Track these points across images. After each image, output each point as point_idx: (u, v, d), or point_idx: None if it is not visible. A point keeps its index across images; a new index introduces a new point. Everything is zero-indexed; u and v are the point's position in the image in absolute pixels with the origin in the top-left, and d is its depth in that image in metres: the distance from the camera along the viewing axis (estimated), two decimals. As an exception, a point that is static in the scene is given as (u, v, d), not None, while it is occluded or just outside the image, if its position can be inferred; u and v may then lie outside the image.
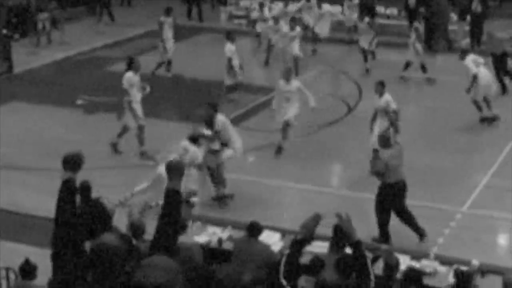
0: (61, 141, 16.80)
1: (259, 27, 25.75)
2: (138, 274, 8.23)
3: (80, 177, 8.83)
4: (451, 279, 9.95)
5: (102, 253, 8.34)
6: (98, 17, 29.90)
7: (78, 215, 9.65)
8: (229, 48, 19.82)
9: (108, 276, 8.24)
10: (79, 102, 19.92)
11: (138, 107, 16.30)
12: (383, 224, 12.51)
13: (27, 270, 9.79)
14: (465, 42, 25.72)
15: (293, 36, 21.78)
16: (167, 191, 8.24)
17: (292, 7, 25.86)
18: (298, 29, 22.01)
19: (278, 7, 26.54)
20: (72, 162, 9.19)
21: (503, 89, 20.39)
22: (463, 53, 18.66)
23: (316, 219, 7.40)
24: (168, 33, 22.45)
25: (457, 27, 26.35)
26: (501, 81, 20.40)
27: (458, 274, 9.42)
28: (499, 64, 20.56)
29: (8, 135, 17.21)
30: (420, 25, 23.05)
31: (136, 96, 16.29)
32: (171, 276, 8.37)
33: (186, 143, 13.29)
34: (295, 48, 21.81)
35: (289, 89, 16.11)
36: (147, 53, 25.26)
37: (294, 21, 22.49)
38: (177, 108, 19.78)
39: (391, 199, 12.40)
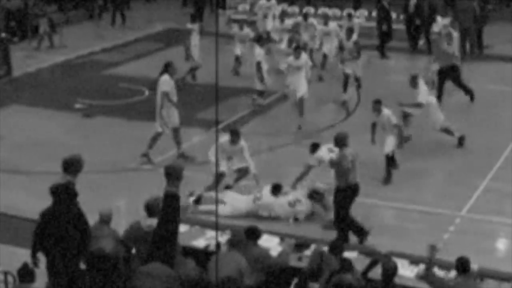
0: (60, 145, 16.79)
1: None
2: (136, 282, 8.25)
3: (81, 180, 8.88)
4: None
5: (99, 258, 8.36)
6: (111, 20, 30.05)
7: (53, 215, 9.80)
8: (259, 52, 19.66)
9: (104, 282, 8.24)
10: (78, 105, 19.91)
11: (172, 111, 16.23)
12: (345, 227, 12.45)
13: (25, 274, 9.78)
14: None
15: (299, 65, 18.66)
16: (166, 195, 8.24)
17: (288, 22, 24.43)
18: (304, 56, 18.78)
19: (272, 23, 25.00)
20: (72, 166, 9.24)
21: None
22: (414, 79, 16.66)
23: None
24: (196, 40, 22.10)
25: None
26: (439, 97, 18.87)
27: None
28: (443, 79, 19.42)
29: (7, 138, 17.20)
30: (454, 31, 21.59)
31: (174, 98, 16.19)
32: (168, 285, 8.40)
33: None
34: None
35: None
36: (145, 58, 25.32)
37: (292, 40, 21.29)
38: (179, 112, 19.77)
39: (342, 202, 12.39)
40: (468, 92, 19.78)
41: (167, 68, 16.23)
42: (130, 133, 18.00)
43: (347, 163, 12.18)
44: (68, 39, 26.45)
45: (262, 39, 20.74)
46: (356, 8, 29.01)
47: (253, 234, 10.34)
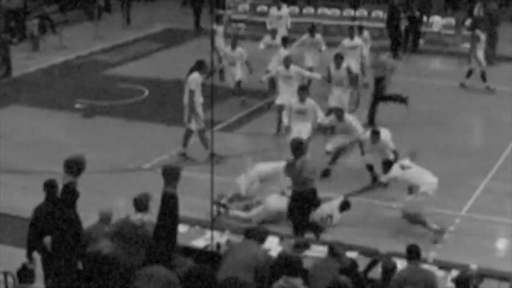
0: (60, 145, 16.80)
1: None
2: (136, 284, 8.25)
3: (83, 181, 8.84)
4: (450, 284, 9.95)
5: (97, 260, 8.36)
6: (124, 17, 30.16)
7: (41, 212, 9.88)
8: (283, 53, 19.24)
9: (103, 283, 8.24)
10: (78, 106, 19.91)
11: (200, 110, 16.08)
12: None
13: (25, 274, 9.77)
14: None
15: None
16: (164, 195, 8.23)
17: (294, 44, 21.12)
18: (310, 101, 15.94)
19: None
20: (74, 166, 9.23)
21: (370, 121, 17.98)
22: (376, 134, 14.81)
23: None
24: (220, 42, 21.87)
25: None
26: (371, 122, 17.91)
27: (457, 279, 9.41)
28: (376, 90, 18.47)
29: (6, 139, 17.20)
30: (482, 34, 21.34)
31: (199, 98, 16.04)
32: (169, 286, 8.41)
33: None
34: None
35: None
36: (145, 58, 25.32)
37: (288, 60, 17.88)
38: (177, 113, 19.73)
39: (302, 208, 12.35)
40: (396, 100, 18.77)
41: (200, 65, 16.00)
42: (130, 133, 18.01)
43: (307, 171, 12.17)
44: (68, 39, 26.43)
45: (286, 40, 20.03)
46: (355, 7, 28.96)
47: (252, 233, 10.24)
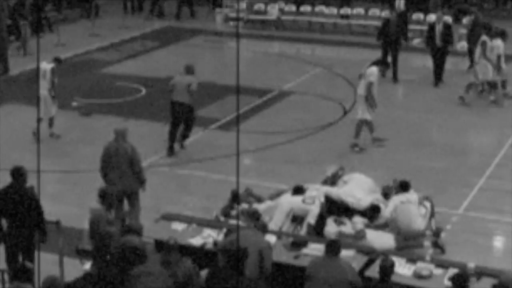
0: (57, 143, 16.78)
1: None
2: (137, 281, 8.32)
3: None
4: (447, 282, 9.96)
5: (126, 251, 8.63)
6: (148, 14, 30.44)
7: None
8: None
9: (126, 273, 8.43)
10: (75, 104, 19.88)
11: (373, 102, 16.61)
12: None
13: (22, 273, 9.77)
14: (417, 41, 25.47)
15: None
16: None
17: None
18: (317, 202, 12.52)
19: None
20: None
21: None
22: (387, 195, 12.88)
23: None
24: None
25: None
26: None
27: (454, 277, 9.42)
28: None
29: (4, 137, 17.17)
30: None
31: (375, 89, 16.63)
32: (165, 285, 8.46)
33: None
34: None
35: None
36: (141, 56, 25.31)
37: None
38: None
39: None
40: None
41: (377, 62, 17.05)
42: (128, 131, 17.97)
43: None
44: (65, 38, 26.39)
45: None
46: (341, 5, 28.83)
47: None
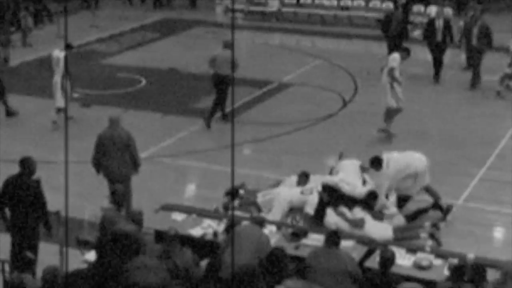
0: (57, 134, 16.78)
1: None
2: (134, 274, 8.30)
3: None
4: (447, 272, 9.97)
5: (121, 238, 8.58)
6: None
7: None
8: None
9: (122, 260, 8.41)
10: (75, 95, 19.87)
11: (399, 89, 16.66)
12: None
13: (23, 263, 9.79)
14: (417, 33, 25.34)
15: None
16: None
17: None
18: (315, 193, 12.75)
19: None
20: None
21: None
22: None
23: None
24: None
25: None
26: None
27: (453, 268, 9.43)
28: None
29: (3, 128, 17.18)
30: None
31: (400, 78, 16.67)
32: (162, 277, 8.46)
33: None
34: None
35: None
36: (141, 47, 25.29)
37: None
38: (173, 102, 19.75)
39: None
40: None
41: (403, 50, 17.02)
42: (128, 122, 17.94)
43: None
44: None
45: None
46: None
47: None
